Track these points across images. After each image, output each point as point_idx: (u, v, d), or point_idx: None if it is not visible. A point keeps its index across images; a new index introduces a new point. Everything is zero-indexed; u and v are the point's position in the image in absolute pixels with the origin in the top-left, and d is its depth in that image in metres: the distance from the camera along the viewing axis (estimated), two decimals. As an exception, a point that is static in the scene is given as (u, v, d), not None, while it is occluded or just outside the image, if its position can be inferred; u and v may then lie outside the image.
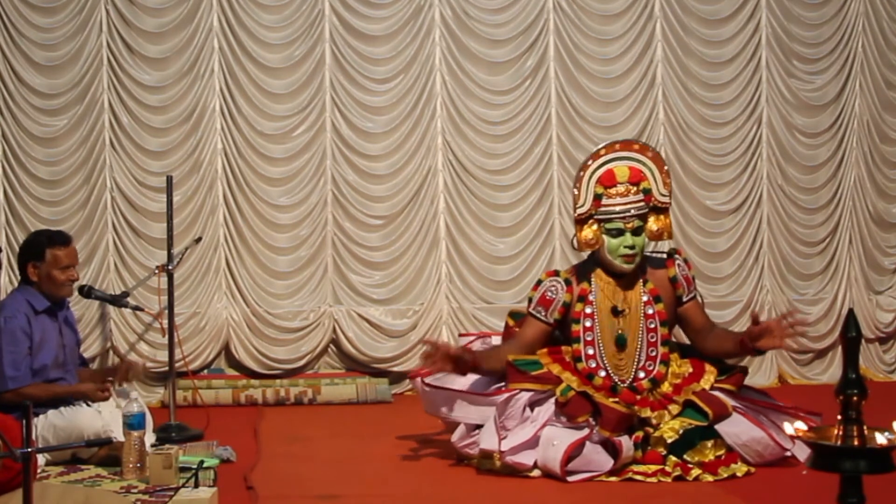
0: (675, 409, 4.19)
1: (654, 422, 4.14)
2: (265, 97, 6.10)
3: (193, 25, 6.02)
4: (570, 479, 3.95)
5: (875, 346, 6.53)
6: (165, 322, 5.08)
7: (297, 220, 6.13)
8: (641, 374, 4.31)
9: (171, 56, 6.02)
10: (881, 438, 2.03)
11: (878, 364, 6.52)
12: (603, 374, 4.29)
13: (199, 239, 5.82)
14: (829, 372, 6.42)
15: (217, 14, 6.04)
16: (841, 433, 2.04)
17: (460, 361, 4.21)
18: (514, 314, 4.72)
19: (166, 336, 5.10)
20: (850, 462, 2.02)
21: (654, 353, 4.33)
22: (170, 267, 5.08)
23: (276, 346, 6.09)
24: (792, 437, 2.14)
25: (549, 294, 4.43)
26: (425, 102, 6.20)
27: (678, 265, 4.47)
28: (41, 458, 3.97)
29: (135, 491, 3.83)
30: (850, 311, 2.13)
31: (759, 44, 6.40)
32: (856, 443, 2.02)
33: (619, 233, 4.34)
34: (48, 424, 4.26)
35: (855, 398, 2.04)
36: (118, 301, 5.15)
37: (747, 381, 4.50)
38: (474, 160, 6.23)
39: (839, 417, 2.06)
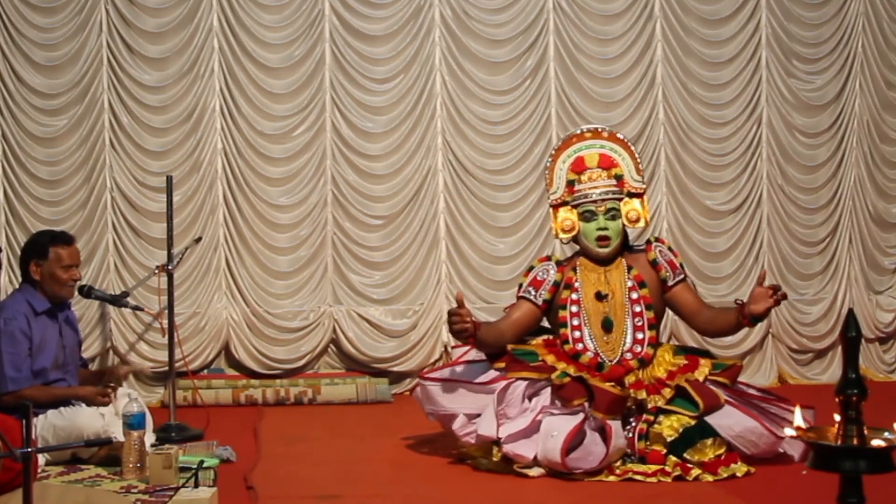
0: (668, 392, 4.20)
1: (648, 405, 4.16)
2: (265, 97, 6.10)
3: (193, 25, 6.02)
4: (570, 466, 3.95)
5: (875, 346, 6.53)
6: (165, 322, 5.08)
7: (297, 220, 6.13)
8: (629, 356, 4.36)
9: (171, 56, 6.02)
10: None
11: (878, 364, 6.52)
12: (590, 354, 4.35)
13: (199, 239, 5.82)
14: (829, 372, 6.42)
15: (217, 14, 6.05)
16: (841, 433, 2.04)
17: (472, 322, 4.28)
18: None
19: (166, 336, 5.10)
20: (850, 462, 2.02)
21: (641, 337, 4.39)
22: (170, 267, 5.08)
23: (276, 346, 6.09)
24: (792, 437, 2.14)
25: (540, 275, 4.54)
26: (425, 102, 6.20)
27: (658, 250, 4.54)
28: (41, 458, 3.96)
29: (135, 491, 3.82)
30: (850, 311, 2.13)
31: (759, 44, 6.40)
32: (855, 443, 2.02)
33: (592, 216, 4.45)
34: (48, 424, 4.26)
35: (855, 398, 2.04)
36: (118, 301, 5.14)
37: (748, 382, 4.52)
38: (474, 160, 6.23)
39: (839, 417, 2.06)
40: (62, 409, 4.31)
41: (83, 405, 4.37)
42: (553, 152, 4.67)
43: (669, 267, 4.51)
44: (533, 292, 4.51)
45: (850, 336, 2.08)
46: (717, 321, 4.50)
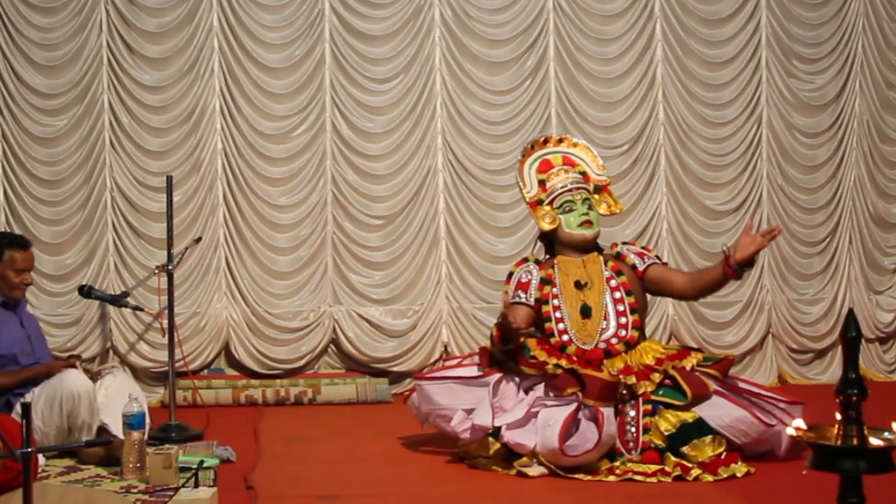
0: (656, 377, 4.23)
1: (638, 391, 4.17)
2: (265, 97, 6.10)
3: (193, 25, 6.02)
4: (567, 452, 3.96)
5: (875, 346, 6.53)
6: (165, 322, 5.08)
7: (297, 220, 6.14)
8: (615, 340, 4.41)
9: (171, 56, 6.02)
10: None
11: (878, 364, 6.52)
12: (574, 346, 4.39)
13: (199, 239, 5.82)
14: (829, 372, 6.43)
15: (217, 14, 6.05)
16: (841, 433, 2.04)
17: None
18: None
19: (166, 336, 5.10)
20: (850, 462, 2.02)
21: (624, 321, 4.45)
22: (170, 267, 5.08)
23: (276, 346, 6.09)
24: (792, 437, 2.14)
25: (524, 277, 4.60)
26: (425, 102, 6.20)
27: (626, 247, 4.67)
28: (41, 457, 3.97)
29: (135, 491, 3.83)
30: (850, 311, 2.13)
31: (759, 44, 6.40)
32: (855, 443, 2.02)
33: (572, 205, 4.59)
34: (36, 395, 4.28)
35: (855, 398, 2.04)
36: (118, 301, 5.17)
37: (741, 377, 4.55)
38: (474, 160, 6.23)
39: (839, 417, 2.06)
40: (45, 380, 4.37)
41: (67, 371, 4.42)
42: (519, 160, 4.83)
43: (637, 255, 4.61)
44: (523, 295, 4.54)
45: (850, 336, 2.09)
46: (699, 278, 4.52)
